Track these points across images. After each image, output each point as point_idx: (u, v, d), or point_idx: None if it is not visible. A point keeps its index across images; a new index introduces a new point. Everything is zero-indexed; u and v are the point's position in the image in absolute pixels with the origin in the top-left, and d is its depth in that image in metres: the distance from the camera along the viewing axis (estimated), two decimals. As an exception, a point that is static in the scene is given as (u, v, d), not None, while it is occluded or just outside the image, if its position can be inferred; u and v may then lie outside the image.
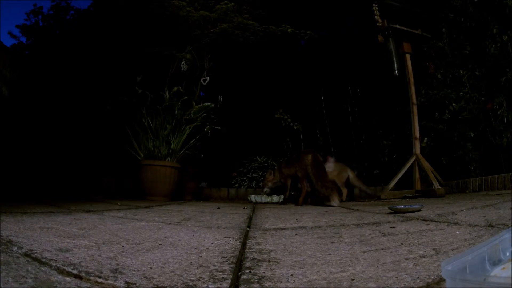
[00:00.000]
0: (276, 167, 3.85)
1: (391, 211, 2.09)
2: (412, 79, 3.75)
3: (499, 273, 0.65)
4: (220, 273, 0.83)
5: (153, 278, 0.78)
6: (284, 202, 3.66)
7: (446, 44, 3.76)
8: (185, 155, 4.24)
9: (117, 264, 0.87)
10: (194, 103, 4.38)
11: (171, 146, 4.12)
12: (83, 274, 0.77)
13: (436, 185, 3.31)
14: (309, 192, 3.40)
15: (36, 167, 4.29)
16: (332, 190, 3.02)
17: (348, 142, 5.02)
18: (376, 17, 3.72)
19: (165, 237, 1.29)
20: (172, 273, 0.82)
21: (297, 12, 5.18)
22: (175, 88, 4.23)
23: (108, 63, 5.04)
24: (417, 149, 3.66)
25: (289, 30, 4.90)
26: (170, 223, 1.72)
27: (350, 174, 3.89)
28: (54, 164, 4.48)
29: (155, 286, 0.73)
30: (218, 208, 2.90)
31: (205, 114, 4.37)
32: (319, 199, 3.23)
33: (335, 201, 2.94)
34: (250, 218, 2.08)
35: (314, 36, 5.06)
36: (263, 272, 0.86)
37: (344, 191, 3.81)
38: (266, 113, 5.18)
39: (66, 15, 6.01)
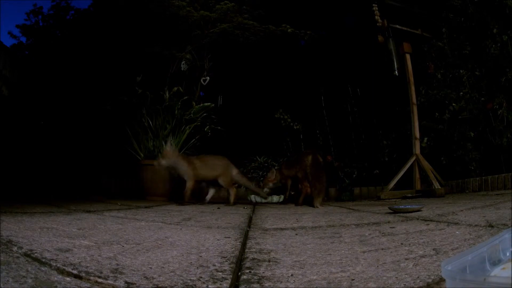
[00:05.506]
0: (276, 167, 3.85)
1: (391, 211, 2.09)
2: (412, 79, 3.75)
3: (499, 273, 0.65)
4: (220, 273, 0.83)
5: (153, 278, 0.78)
6: (284, 202, 3.67)
7: (446, 44, 3.76)
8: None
9: (117, 264, 0.87)
10: (194, 103, 4.38)
11: (171, 146, 4.11)
12: (83, 274, 0.77)
13: (436, 185, 3.30)
14: (309, 193, 3.40)
15: (36, 167, 4.29)
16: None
17: (348, 142, 5.02)
18: (376, 17, 3.72)
19: (165, 237, 1.29)
20: (172, 273, 0.82)
21: (297, 12, 5.18)
22: (175, 88, 4.23)
23: (108, 63, 5.04)
24: (417, 149, 3.66)
25: (289, 30, 4.89)
26: (170, 223, 1.72)
27: (233, 170, 3.39)
28: (54, 164, 4.48)
29: (155, 286, 0.73)
30: (218, 208, 2.90)
31: (205, 114, 4.37)
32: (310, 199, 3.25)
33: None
34: (250, 218, 2.08)
35: (314, 36, 5.05)
36: (263, 272, 0.86)
37: (234, 191, 3.40)
38: (266, 113, 5.17)
39: (66, 15, 6.00)
